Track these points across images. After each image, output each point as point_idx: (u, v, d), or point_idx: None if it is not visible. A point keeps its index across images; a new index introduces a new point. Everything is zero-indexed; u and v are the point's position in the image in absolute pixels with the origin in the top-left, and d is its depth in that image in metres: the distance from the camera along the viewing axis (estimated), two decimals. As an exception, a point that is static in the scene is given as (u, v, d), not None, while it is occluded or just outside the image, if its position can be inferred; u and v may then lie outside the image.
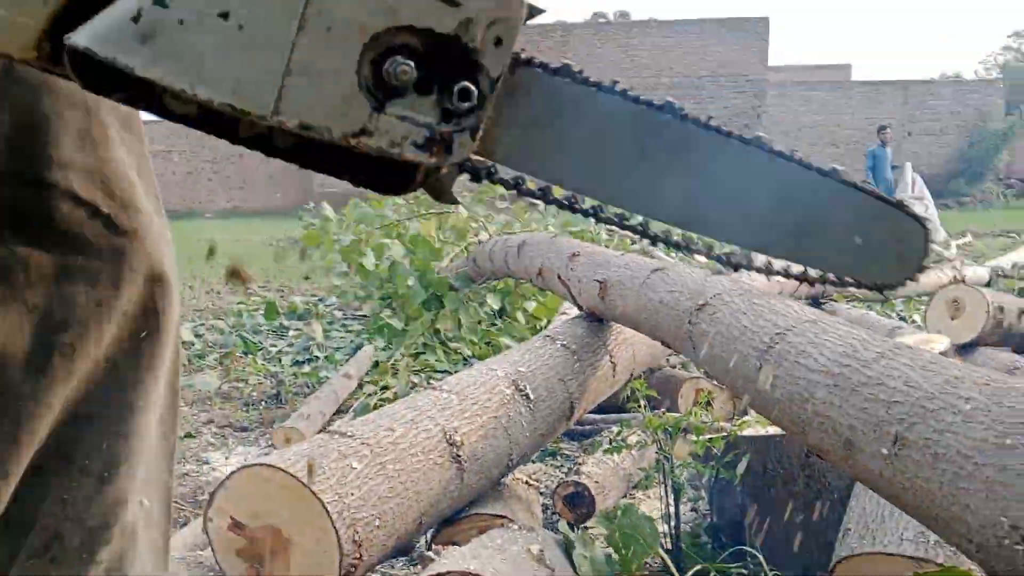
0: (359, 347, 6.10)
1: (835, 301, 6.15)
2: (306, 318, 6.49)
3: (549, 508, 3.46)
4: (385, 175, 0.84)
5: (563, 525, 2.58)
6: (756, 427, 2.98)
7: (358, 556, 2.17)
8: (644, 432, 3.07)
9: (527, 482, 3.19)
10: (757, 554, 2.45)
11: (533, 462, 4.15)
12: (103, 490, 1.04)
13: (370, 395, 4.93)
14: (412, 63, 0.79)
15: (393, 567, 2.82)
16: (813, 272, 1.41)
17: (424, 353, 5.99)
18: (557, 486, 3.49)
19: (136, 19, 0.72)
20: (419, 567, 2.30)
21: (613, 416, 4.55)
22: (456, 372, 4.10)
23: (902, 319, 6.42)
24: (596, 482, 3.43)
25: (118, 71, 0.72)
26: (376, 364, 5.61)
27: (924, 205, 13.94)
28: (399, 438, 2.50)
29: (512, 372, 3.19)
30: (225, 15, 0.73)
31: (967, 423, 1.65)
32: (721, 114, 26.20)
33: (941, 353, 3.83)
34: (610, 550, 2.52)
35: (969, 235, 14.06)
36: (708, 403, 3.71)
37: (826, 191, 1.24)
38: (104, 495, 1.05)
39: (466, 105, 0.82)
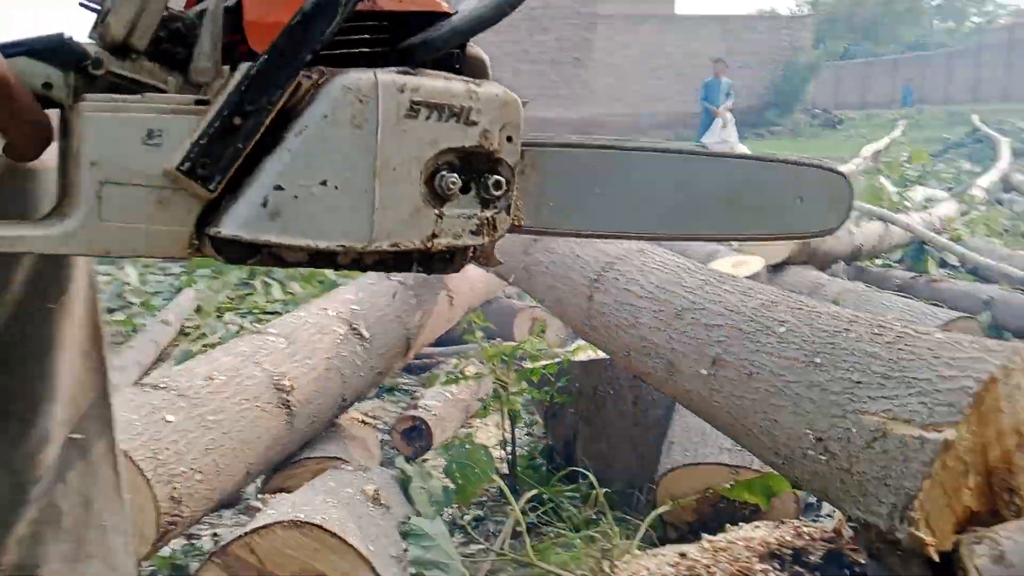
0: (179, 290, 5.74)
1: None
2: (118, 261, 6.04)
3: (388, 443, 3.42)
4: (439, 259, 1.08)
5: (400, 460, 2.54)
6: (588, 352, 3.04)
7: (178, 513, 2.04)
8: (481, 363, 3.06)
9: (363, 421, 3.12)
10: (588, 474, 2.51)
11: (371, 399, 4.08)
12: (27, 431, 1.07)
13: (194, 340, 4.66)
14: (455, 174, 1.03)
15: (222, 517, 2.70)
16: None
17: (252, 294, 5.72)
18: (395, 422, 3.45)
19: (264, 204, 0.94)
20: (247, 518, 2.20)
21: (451, 348, 4.54)
22: (286, 313, 3.93)
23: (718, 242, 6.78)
24: (434, 415, 3.41)
25: (253, 243, 0.95)
26: (199, 309, 5.31)
27: (729, 147, 14.72)
28: (221, 387, 2.35)
29: (345, 311, 3.08)
30: (324, 183, 0.96)
31: (780, 344, 1.73)
32: (553, 45, 26.37)
33: (755, 274, 4.06)
34: (448, 481, 2.51)
35: (780, 163, 14.97)
36: (542, 331, 3.77)
37: (764, 171, 1.45)
38: (28, 436, 1.07)
39: (499, 192, 1.06)
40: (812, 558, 1.92)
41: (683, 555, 1.95)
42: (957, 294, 4.83)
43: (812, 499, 2.51)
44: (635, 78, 27.06)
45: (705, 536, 2.04)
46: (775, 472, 1.94)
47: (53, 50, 0.95)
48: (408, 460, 3.01)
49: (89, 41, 1.00)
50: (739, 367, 1.78)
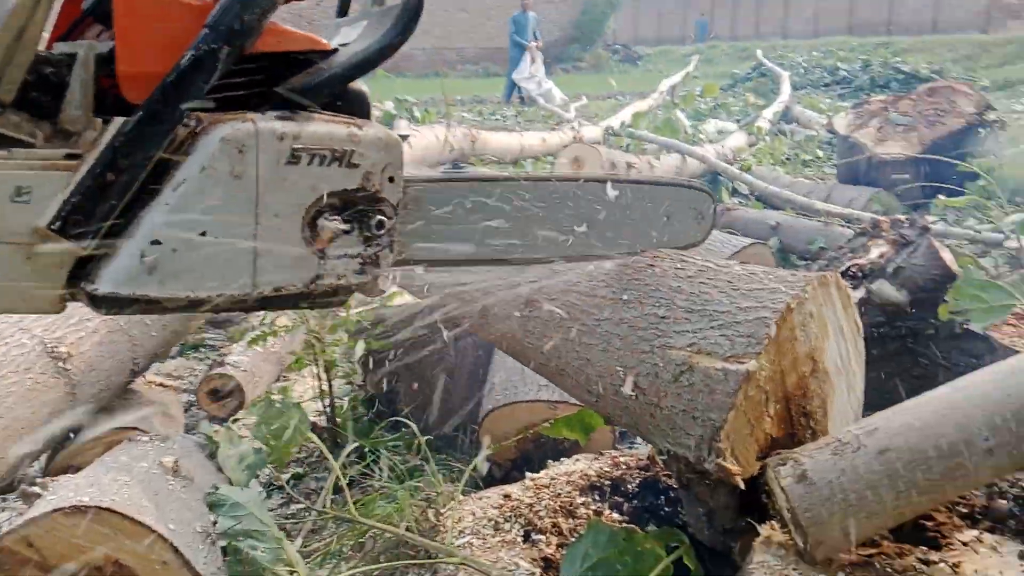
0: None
1: (471, 164, 6.37)
2: None
3: (196, 405, 3.20)
4: (322, 296, 1.10)
5: (205, 425, 2.37)
6: (403, 298, 2.96)
7: (-59, 507, 1.79)
8: (294, 313, 2.90)
9: (162, 384, 2.89)
10: (409, 423, 2.46)
11: (173, 359, 3.80)
12: None
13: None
14: (337, 216, 1.06)
15: (6, 501, 2.42)
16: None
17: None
18: (200, 382, 3.23)
19: (142, 258, 0.95)
20: (25, 506, 1.96)
21: (259, 299, 4.30)
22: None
23: (532, 178, 6.85)
24: (244, 371, 3.21)
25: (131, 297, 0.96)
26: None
27: (538, 83, 14.90)
28: (-14, 360, 2.08)
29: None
30: (203, 234, 0.97)
31: (591, 282, 1.73)
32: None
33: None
34: (258, 443, 2.37)
35: (584, 98, 15.35)
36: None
37: (634, 192, 1.54)
38: None
39: (381, 231, 1.10)
40: (629, 487, 1.98)
41: (507, 496, 1.95)
42: (748, 221, 5.15)
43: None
44: (441, 12, 26.61)
45: (528, 474, 2.05)
46: (590, 408, 1.96)
47: None
48: (219, 422, 2.84)
49: None
50: (551, 308, 1.77)
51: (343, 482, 2.25)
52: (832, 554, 1.24)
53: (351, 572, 1.85)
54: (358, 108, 1.13)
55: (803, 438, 1.50)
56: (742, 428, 1.39)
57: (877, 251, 2.56)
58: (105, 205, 0.95)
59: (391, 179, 1.10)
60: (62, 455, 2.26)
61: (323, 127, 1.05)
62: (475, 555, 1.71)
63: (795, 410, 1.46)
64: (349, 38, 1.19)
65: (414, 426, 2.38)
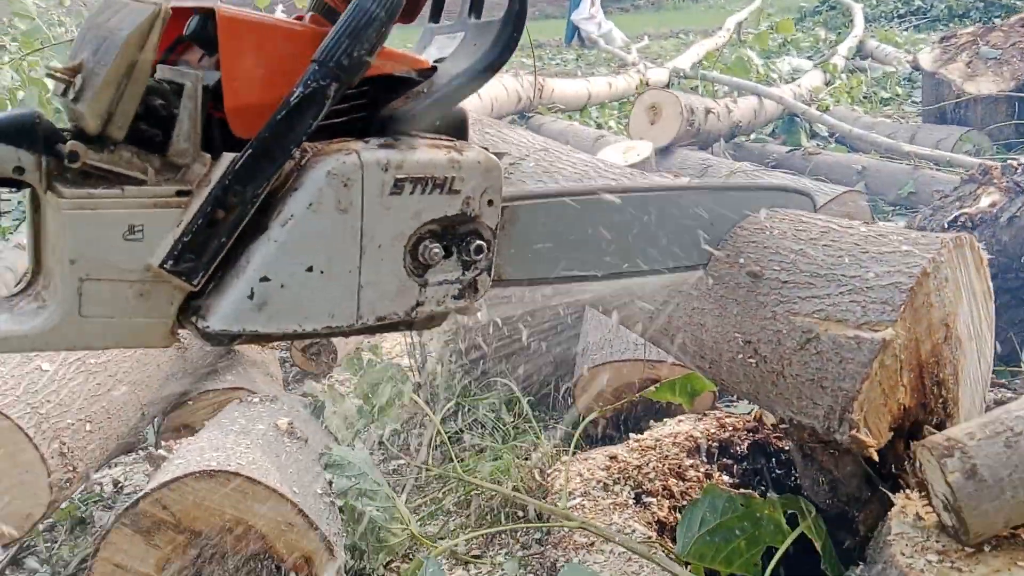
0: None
1: (540, 114, 6.26)
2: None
3: (289, 362, 3.27)
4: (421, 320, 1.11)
5: (310, 384, 2.42)
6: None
7: (70, 468, 1.87)
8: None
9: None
10: (509, 381, 2.47)
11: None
12: None
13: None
14: (438, 243, 1.05)
15: (131, 458, 2.53)
16: None
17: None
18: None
19: (251, 296, 0.95)
20: (151, 468, 2.04)
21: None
22: None
23: (600, 127, 6.73)
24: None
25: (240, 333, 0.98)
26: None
27: (597, 23, 14.50)
28: (101, 323, 2.15)
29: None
30: (310, 269, 0.98)
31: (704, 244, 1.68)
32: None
33: (645, 159, 4.03)
34: (360, 400, 2.42)
35: (646, 38, 14.91)
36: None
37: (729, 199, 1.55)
38: None
39: (479, 256, 1.09)
40: (738, 449, 1.96)
41: (613, 457, 1.95)
42: (832, 165, 4.99)
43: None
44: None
45: (632, 436, 2.05)
46: (696, 372, 1.94)
47: (24, 132, 0.90)
48: (314, 379, 2.90)
49: (58, 108, 0.95)
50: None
51: (443, 439, 2.28)
52: (986, 539, 1.20)
53: (466, 535, 1.88)
54: (456, 128, 1.11)
55: (934, 407, 1.45)
56: (875, 398, 1.35)
57: (988, 200, 2.45)
58: (215, 242, 0.96)
59: (490, 203, 1.10)
60: (175, 415, 2.34)
61: (425, 155, 1.04)
62: (587, 517, 1.72)
63: (928, 379, 1.42)
64: (445, 51, 1.17)
65: (513, 385, 2.39)
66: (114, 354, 2.06)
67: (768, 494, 1.64)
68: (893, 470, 1.48)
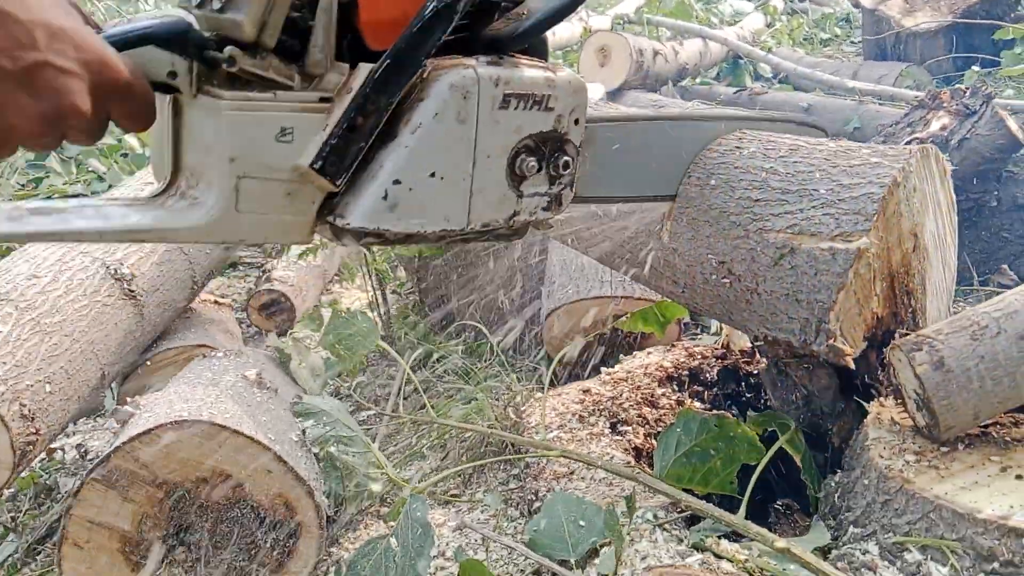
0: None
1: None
2: None
3: (245, 323, 3.21)
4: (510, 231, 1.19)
5: (273, 338, 2.38)
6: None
7: (33, 430, 1.81)
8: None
9: (216, 302, 2.89)
10: (478, 324, 2.46)
11: (214, 278, 3.80)
12: None
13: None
14: (532, 157, 1.13)
15: (90, 425, 2.46)
16: None
17: (47, 176, 5.08)
18: (250, 298, 3.23)
19: (385, 197, 1.04)
20: (117, 425, 1.98)
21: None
22: (97, 193, 3.51)
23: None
24: (292, 286, 3.21)
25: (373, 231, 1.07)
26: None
27: None
28: (50, 285, 2.06)
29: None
30: (433, 174, 1.06)
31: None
32: None
33: (596, 100, 4.01)
34: (326, 353, 2.39)
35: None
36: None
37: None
38: None
39: (566, 171, 1.17)
40: (707, 376, 1.99)
41: (586, 391, 1.96)
42: (778, 103, 5.02)
43: (687, 320, 2.59)
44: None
45: (603, 369, 2.06)
46: (666, 300, 1.95)
47: (178, 39, 0.96)
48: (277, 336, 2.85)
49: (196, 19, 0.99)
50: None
51: (416, 385, 2.27)
52: (958, 434, 1.23)
53: (449, 471, 1.87)
54: (541, 51, 1.18)
55: (904, 317, 1.48)
56: (850, 308, 1.37)
57: (938, 124, 2.49)
58: (355, 146, 1.02)
59: (576, 121, 1.17)
60: (135, 376, 2.28)
61: (528, 73, 1.11)
62: (566, 448, 1.73)
63: (898, 288, 1.44)
64: None
65: (482, 327, 2.38)
66: (70, 313, 1.99)
67: (748, 415, 1.65)
68: (866, 380, 1.52)
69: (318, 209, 1.06)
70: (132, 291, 2.20)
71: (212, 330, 2.52)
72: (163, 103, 1.04)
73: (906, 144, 2.45)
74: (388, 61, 1.01)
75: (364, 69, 1.02)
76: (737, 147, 1.60)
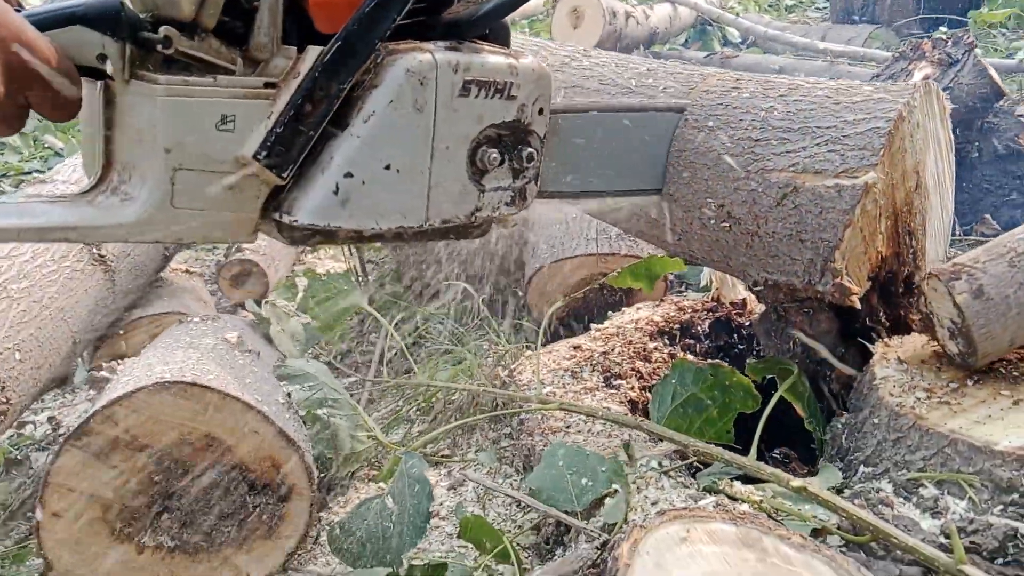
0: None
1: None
2: None
3: (216, 294, 3.12)
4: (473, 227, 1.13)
5: (251, 304, 2.30)
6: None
7: (5, 400, 1.73)
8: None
9: (187, 270, 2.80)
10: (464, 284, 2.41)
11: (181, 250, 3.69)
12: None
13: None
14: (494, 149, 1.08)
15: (60, 398, 2.37)
16: None
17: (1, 153, 4.91)
18: (220, 268, 3.14)
19: (336, 191, 0.98)
20: (93, 392, 1.91)
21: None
22: (52, 169, 3.37)
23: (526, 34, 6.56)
24: (263, 255, 3.13)
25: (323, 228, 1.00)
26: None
27: None
28: (13, 250, 1.97)
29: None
30: (388, 166, 1.01)
31: (675, 100, 1.62)
32: None
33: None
34: (306, 318, 2.32)
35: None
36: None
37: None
38: None
39: (529, 164, 1.11)
40: (699, 329, 1.96)
41: (577, 347, 1.92)
42: (750, 66, 4.99)
43: (671, 277, 2.56)
44: None
45: (594, 325, 2.02)
46: (654, 255, 1.91)
47: (109, 19, 0.89)
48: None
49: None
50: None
51: (403, 347, 2.22)
52: (992, 360, 1.22)
53: (443, 428, 1.83)
54: (502, 37, 1.13)
55: (906, 257, 1.46)
56: (856, 246, 1.34)
57: (920, 74, 2.47)
58: (303, 136, 0.95)
59: (540, 111, 1.12)
60: (107, 344, 2.19)
61: (490, 59, 1.05)
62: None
63: (901, 228, 1.42)
64: None
65: (468, 286, 2.33)
66: (38, 279, 1.90)
67: (748, 362, 1.63)
68: (868, 322, 1.49)
69: (263, 204, 0.99)
70: (102, 256, 2.11)
71: (185, 298, 2.44)
72: (93, 90, 0.96)
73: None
74: (338, 44, 0.95)
75: (313, 53, 0.96)
76: (735, 88, 1.55)
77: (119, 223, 0.93)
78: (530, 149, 1.12)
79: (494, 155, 1.08)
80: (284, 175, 0.96)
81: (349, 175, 0.98)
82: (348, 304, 2.17)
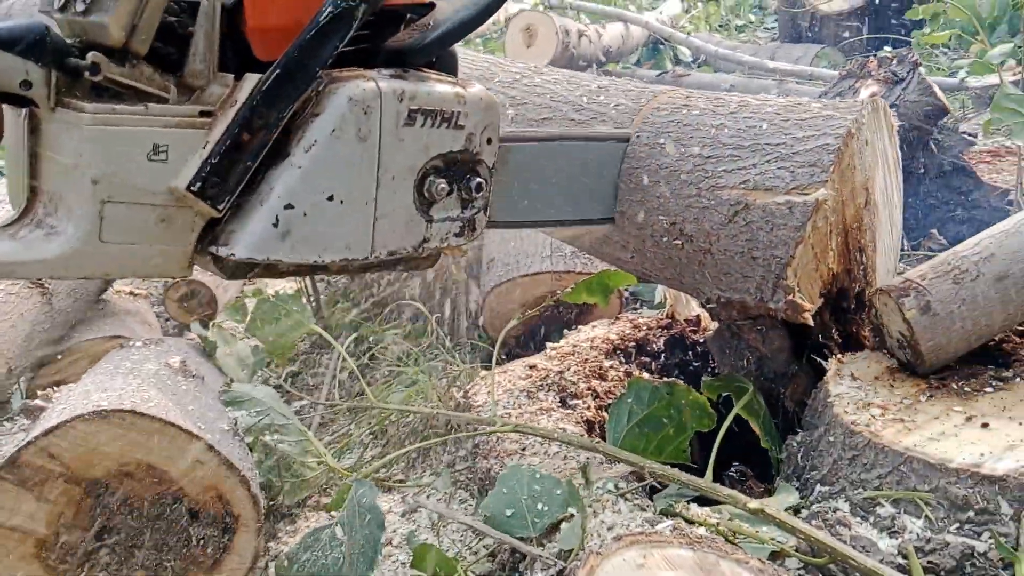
0: None
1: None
2: None
3: (162, 316, 3.03)
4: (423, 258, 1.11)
5: (197, 327, 2.23)
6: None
7: (-67, 432, 1.65)
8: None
9: (131, 292, 2.71)
10: (418, 303, 2.37)
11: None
12: None
13: None
14: (442, 179, 1.06)
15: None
16: None
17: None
18: (167, 290, 3.04)
19: (276, 224, 0.95)
20: (28, 421, 1.82)
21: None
22: None
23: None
24: (211, 275, 3.05)
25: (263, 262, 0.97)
26: None
27: None
28: (-55, 274, 1.89)
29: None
30: (331, 197, 0.98)
31: (620, 128, 1.62)
32: None
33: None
34: (254, 341, 2.26)
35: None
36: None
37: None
38: None
39: (479, 193, 1.10)
40: (654, 346, 1.95)
41: (532, 367, 1.90)
42: (701, 84, 5.06)
43: (628, 291, 2.55)
44: None
45: (549, 344, 2.00)
46: (608, 270, 1.90)
47: (33, 44, 0.85)
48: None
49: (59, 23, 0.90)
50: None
51: (354, 368, 2.17)
52: (938, 367, 1.24)
53: (396, 454, 1.78)
54: (449, 65, 1.11)
55: (857, 274, 1.46)
56: (808, 263, 1.34)
57: (867, 92, 2.51)
58: (240, 166, 0.92)
59: (489, 140, 1.10)
60: (45, 371, 2.11)
61: (436, 87, 1.04)
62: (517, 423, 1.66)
63: (852, 244, 1.42)
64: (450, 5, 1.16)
65: (422, 306, 2.29)
66: (-33, 303, 1.82)
67: (704, 380, 1.62)
68: (820, 339, 1.49)
69: (198, 238, 0.96)
70: (38, 279, 2.03)
71: (129, 321, 2.36)
72: (17, 118, 0.92)
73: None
74: (278, 71, 0.92)
75: (251, 80, 0.93)
76: (685, 105, 1.55)
77: (42, 259, 0.89)
78: (479, 179, 1.10)
79: (442, 185, 1.06)
80: (220, 207, 0.92)
81: (290, 206, 0.95)
82: (298, 326, 2.12)
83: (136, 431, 1.42)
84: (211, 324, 2.77)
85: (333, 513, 1.67)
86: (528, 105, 1.77)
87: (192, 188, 0.91)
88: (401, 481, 1.84)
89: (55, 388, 1.63)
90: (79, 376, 1.81)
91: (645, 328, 2.00)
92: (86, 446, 1.40)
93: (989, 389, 1.26)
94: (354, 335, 2.38)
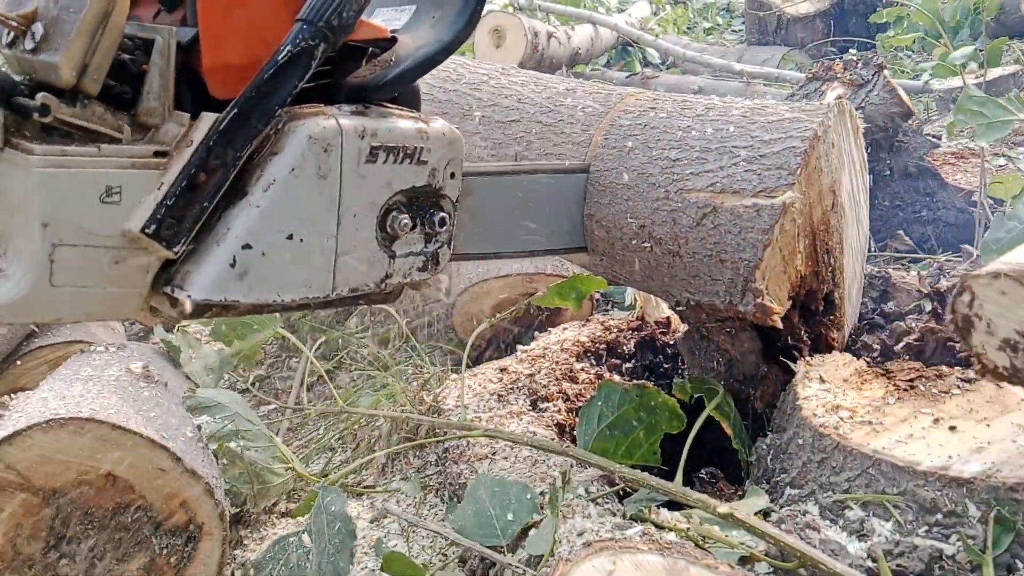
0: None
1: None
2: None
3: (126, 320, 2.97)
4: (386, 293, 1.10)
5: (160, 331, 2.19)
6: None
7: None
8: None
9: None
10: (390, 308, 2.34)
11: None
12: None
13: None
14: (406, 214, 1.06)
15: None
16: None
17: None
18: (130, 292, 2.99)
19: (233, 264, 0.93)
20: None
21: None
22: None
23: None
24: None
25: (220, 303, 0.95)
26: None
27: None
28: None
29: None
30: (290, 236, 0.96)
31: (586, 131, 1.61)
32: None
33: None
34: (220, 345, 2.22)
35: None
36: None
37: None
38: None
39: (442, 228, 1.09)
40: (624, 348, 1.94)
41: (503, 370, 1.88)
42: (670, 86, 5.07)
43: (597, 296, 2.55)
44: None
45: (519, 347, 1.98)
46: (581, 273, 1.89)
47: None
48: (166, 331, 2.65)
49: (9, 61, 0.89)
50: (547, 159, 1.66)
51: (323, 373, 2.14)
52: None
53: (363, 459, 1.76)
54: (412, 100, 1.11)
55: (825, 276, 1.47)
56: (776, 266, 1.34)
57: (833, 94, 2.53)
58: (196, 207, 0.90)
59: (452, 175, 1.10)
60: (4, 376, 2.06)
61: (397, 124, 1.03)
62: (488, 427, 1.64)
63: (819, 246, 1.43)
64: (394, 23, 1.14)
65: (392, 310, 2.27)
66: (-80, 309, 1.76)
67: (675, 381, 1.61)
68: (789, 341, 1.50)
69: (153, 279, 0.95)
70: (-5, 284, 1.97)
71: (91, 325, 2.30)
72: None
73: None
74: (236, 110, 0.90)
75: (207, 119, 0.91)
76: (652, 107, 1.55)
77: None
78: (443, 213, 1.10)
79: (405, 220, 1.05)
80: (176, 249, 0.91)
81: (248, 246, 0.93)
82: (265, 329, 2.09)
83: (95, 439, 1.39)
84: (176, 328, 2.73)
85: (301, 519, 1.64)
86: (496, 107, 1.76)
87: (147, 230, 0.89)
88: (370, 487, 1.82)
89: (12, 396, 1.58)
90: (38, 382, 1.77)
91: (616, 330, 2.00)
92: (43, 455, 1.37)
93: (956, 391, 1.27)
94: (323, 338, 2.35)
